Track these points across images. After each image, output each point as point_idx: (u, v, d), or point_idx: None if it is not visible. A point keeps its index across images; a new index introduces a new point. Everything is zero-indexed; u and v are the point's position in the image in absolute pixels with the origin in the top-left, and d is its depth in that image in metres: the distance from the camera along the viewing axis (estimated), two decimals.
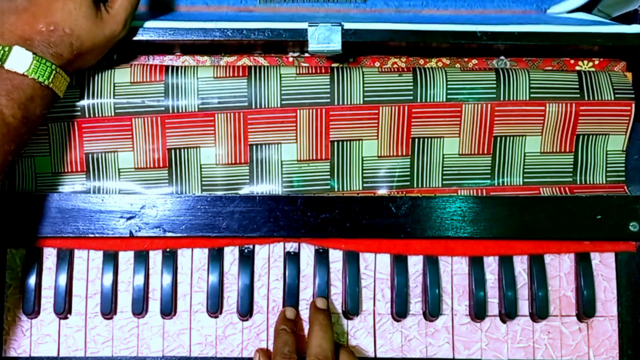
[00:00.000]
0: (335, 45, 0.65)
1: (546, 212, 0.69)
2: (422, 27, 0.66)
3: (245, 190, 0.70)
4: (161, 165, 0.69)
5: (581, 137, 0.71)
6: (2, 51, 0.55)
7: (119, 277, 0.69)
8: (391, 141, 0.70)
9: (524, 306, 0.70)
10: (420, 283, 0.70)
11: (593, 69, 0.72)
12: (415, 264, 0.70)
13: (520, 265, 0.71)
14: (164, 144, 0.69)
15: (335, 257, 0.70)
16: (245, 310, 0.68)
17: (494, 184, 0.71)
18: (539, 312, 0.69)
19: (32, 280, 0.68)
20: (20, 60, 0.55)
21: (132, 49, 0.70)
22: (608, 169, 0.71)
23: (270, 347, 0.69)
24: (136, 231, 0.68)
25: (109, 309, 0.68)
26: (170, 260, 0.69)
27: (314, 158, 0.70)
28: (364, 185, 0.70)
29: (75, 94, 0.67)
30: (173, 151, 0.69)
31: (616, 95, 0.70)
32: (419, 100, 0.69)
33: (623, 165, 0.71)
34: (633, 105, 0.70)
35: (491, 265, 0.71)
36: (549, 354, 0.70)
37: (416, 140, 0.70)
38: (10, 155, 0.56)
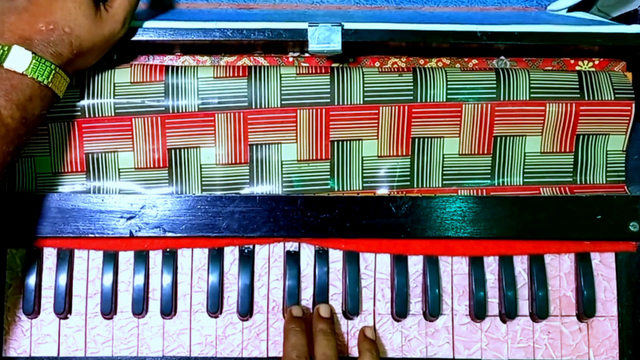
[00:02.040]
0: (335, 45, 0.65)
1: (546, 212, 0.69)
2: (422, 27, 0.66)
3: (245, 190, 0.69)
4: (161, 165, 0.69)
5: (581, 137, 0.71)
6: (1, 50, 0.55)
7: (119, 277, 0.69)
8: (391, 141, 0.70)
9: (524, 306, 0.70)
10: (420, 283, 0.70)
11: (593, 69, 0.72)
12: (415, 264, 0.70)
13: (520, 265, 0.71)
14: (164, 144, 0.69)
15: (335, 257, 0.70)
16: (246, 310, 0.68)
17: (494, 184, 0.71)
18: (539, 312, 0.69)
19: (32, 280, 0.68)
20: (19, 60, 0.55)
21: (132, 49, 0.69)
22: (608, 169, 0.71)
23: (271, 346, 0.69)
24: (136, 231, 0.68)
25: (109, 309, 0.68)
26: (170, 260, 0.69)
27: (314, 158, 0.70)
28: (364, 185, 0.70)
29: (75, 94, 0.67)
30: (173, 151, 0.69)
31: (616, 95, 0.70)
32: (419, 100, 0.69)
33: (623, 165, 0.71)
34: (633, 105, 0.70)
35: (491, 265, 0.70)
36: (549, 354, 0.70)
37: (416, 140, 0.70)
38: (9, 157, 0.56)
